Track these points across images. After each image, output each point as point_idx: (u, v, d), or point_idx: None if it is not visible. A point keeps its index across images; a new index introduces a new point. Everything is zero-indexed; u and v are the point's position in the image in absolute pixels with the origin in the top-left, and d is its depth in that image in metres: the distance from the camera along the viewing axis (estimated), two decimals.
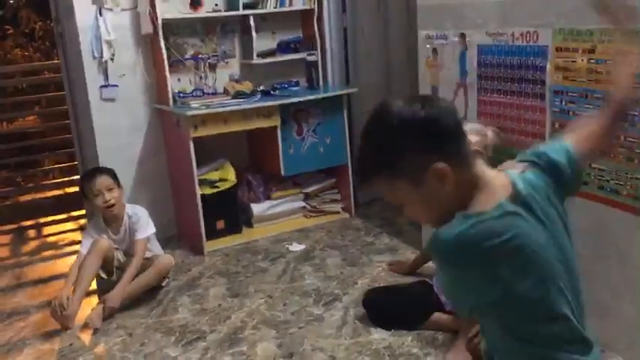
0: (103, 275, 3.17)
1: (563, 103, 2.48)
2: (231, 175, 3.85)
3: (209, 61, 3.98)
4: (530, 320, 1.21)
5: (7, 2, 7.81)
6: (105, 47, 3.68)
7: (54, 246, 4.23)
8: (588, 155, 1.41)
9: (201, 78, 3.99)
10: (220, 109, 3.61)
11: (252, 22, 3.88)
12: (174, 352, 2.67)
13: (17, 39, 7.85)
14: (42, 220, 4.75)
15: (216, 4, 3.90)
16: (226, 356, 2.61)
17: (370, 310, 2.81)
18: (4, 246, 4.30)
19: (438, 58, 3.14)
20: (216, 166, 3.86)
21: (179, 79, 3.92)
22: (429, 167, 1.13)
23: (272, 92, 3.96)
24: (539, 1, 2.53)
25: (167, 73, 3.69)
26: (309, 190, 4.18)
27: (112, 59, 3.73)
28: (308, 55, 4.10)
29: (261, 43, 4.05)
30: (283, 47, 4.16)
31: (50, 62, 6.49)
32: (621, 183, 2.29)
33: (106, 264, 3.14)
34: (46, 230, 4.58)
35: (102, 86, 3.74)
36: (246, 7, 3.89)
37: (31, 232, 4.57)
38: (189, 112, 3.52)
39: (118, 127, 3.79)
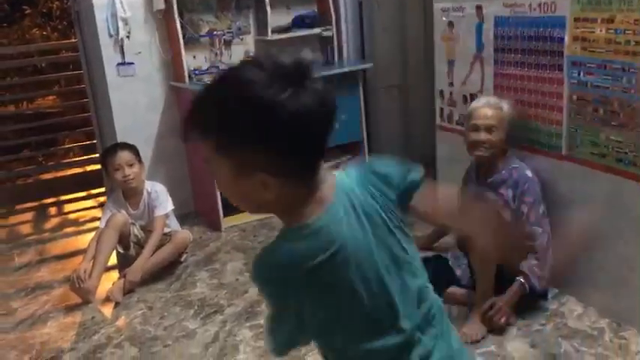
0: (120, 249, 3.22)
1: (582, 74, 2.44)
2: None
3: (224, 37, 3.98)
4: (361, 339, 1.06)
5: None
6: (121, 25, 3.69)
7: (75, 223, 4.30)
8: (416, 215, 1.19)
9: (216, 55, 3.99)
10: None
11: None
12: (193, 324, 2.72)
13: (35, 18, 7.89)
14: (63, 197, 4.83)
15: None
16: (244, 329, 2.65)
17: None
18: (27, 223, 4.39)
19: (454, 30, 3.11)
20: None
21: (194, 56, 3.92)
22: (258, 171, 0.95)
23: None
24: None
25: (182, 50, 3.70)
26: (325, 166, 4.18)
27: (127, 37, 3.74)
28: (323, 30, 4.07)
29: (276, 18, 4.03)
30: (298, 22, 4.13)
31: (68, 41, 6.52)
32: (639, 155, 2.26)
33: (123, 238, 3.19)
34: (67, 207, 4.66)
35: (118, 64, 3.76)
36: None
37: (53, 210, 4.65)
38: None
39: (135, 104, 3.82)
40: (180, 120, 3.75)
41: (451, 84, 3.21)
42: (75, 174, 5.31)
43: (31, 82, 6.50)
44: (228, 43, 4.02)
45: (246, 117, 0.92)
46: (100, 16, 3.66)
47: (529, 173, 2.58)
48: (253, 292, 2.96)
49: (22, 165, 5.60)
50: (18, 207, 4.67)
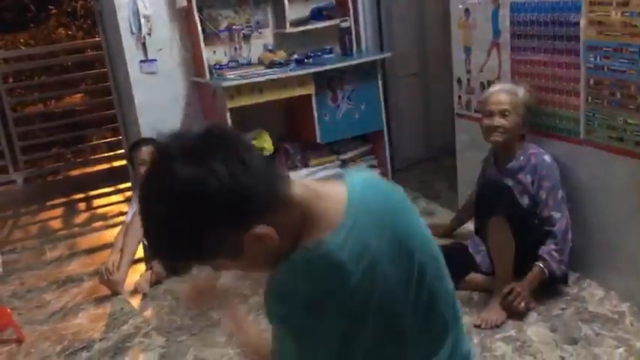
0: (146, 242, 3.30)
1: (598, 58, 2.43)
2: (268, 143, 3.92)
3: (243, 32, 4.02)
4: None
5: None
6: (142, 22, 3.76)
7: (103, 217, 4.41)
8: None
9: (235, 49, 4.04)
10: (255, 79, 3.66)
11: None
12: (219, 314, 2.79)
13: (60, 18, 8.05)
14: (91, 193, 4.95)
15: None
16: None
17: None
18: (57, 218, 4.52)
19: (471, 18, 3.10)
20: (254, 135, 3.93)
21: (214, 52, 3.97)
22: (241, 238, 0.91)
23: (306, 60, 3.98)
24: None
25: (202, 46, 3.76)
26: (345, 156, 4.22)
27: (149, 34, 3.81)
28: (341, 21, 4.09)
29: (294, 11, 4.06)
30: (316, 14, 4.15)
31: (92, 40, 6.64)
32: None
33: None
34: (96, 202, 4.78)
35: (141, 61, 3.84)
36: None
37: (82, 205, 4.78)
38: (225, 83, 3.58)
39: (158, 100, 3.89)
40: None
41: (469, 71, 3.21)
42: (102, 170, 5.44)
43: (58, 81, 6.65)
44: (247, 38, 4.07)
45: (208, 207, 0.87)
46: (122, 15, 3.73)
47: (547, 158, 2.58)
48: None
49: (51, 162, 5.75)
50: (48, 203, 4.81)
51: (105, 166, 5.50)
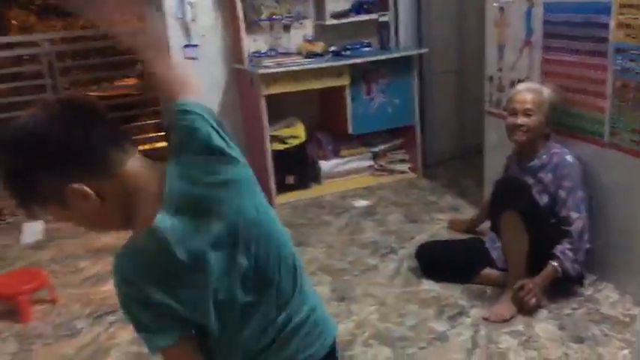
0: None
1: (625, 61, 2.43)
2: (301, 132, 4.02)
3: (283, 22, 4.13)
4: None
5: None
6: (187, 9, 3.91)
7: None
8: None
9: (275, 38, 4.15)
10: (291, 68, 3.76)
11: None
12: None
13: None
14: None
15: None
16: None
17: (422, 262, 2.91)
18: None
19: (505, 16, 3.12)
20: (288, 123, 4.04)
21: (255, 40, 4.10)
22: (63, 190, 1.01)
23: (343, 53, 4.06)
24: None
25: (243, 34, 3.88)
26: (377, 149, 4.28)
27: (193, 20, 3.96)
28: (380, 15, 4.15)
29: (336, 4, 4.15)
30: (357, 8, 4.23)
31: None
32: None
33: None
34: None
35: (185, 46, 3.99)
36: None
37: None
38: (262, 71, 3.70)
39: (198, 84, 4.03)
40: None
41: (500, 69, 3.23)
42: (148, 150, 5.64)
43: (111, 63, 6.91)
44: (287, 28, 4.17)
45: (28, 155, 1.01)
46: (169, 1, 3.89)
47: (569, 158, 2.59)
48: None
49: None
50: None
51: (151, 145, 5.70)
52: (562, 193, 2.56)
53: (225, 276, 1.08)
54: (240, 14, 3.86)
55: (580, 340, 2.31)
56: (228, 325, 1.12)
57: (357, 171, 4.28)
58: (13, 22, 8.77)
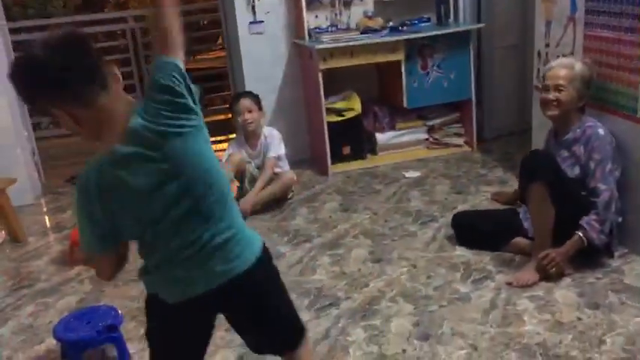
0: (236, 183, 3.76)
1: None
2: (357, 105, 4.21)
3: None
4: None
5: None
6: None
7: None
8: None
9: (336, 15, 4.34)
10: (346, 44, 3.95)
11: None
12: (284, 248, 3.18)
13: None
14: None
15: None
16: (325, 256, 3.05)
17: (457, 229, 3.06)
18: None
19: None
20: (344, 96, 4.24)
21: (316, 16, 4.30)
22: (51, 110, 1.35)
23: (400, 28, 4.19)
24: None
25: (304, 11, 4.10)
26: (432, 122, 4.40)
27: None
28: None
29: None
30: None
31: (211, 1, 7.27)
32: None
33: (239, 174, 3.72)
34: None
35: (250, 22, 4.26)
36: None
37: None
38: (318, 46, 3.91)
39: (262, 59, 4.31)
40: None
41: (547, 45, 3.27)
42: (218, 120, 6.02)
43: (193, 37, 7.35)
44: (347, 4, 4.35)
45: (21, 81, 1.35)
46: None
47: (601, 131, 2.65)
48: (341, 227, 3.36)
49: None
50: None
51: (221, 117, 6.08)
52: (591, 165, 2.63)
53: (158, 197, 1.39)
54: None
55: (595, 306, 2.40)
56: (160, 235, 1.43)
57: (412, 143, 4.42)
58: None
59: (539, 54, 3.37)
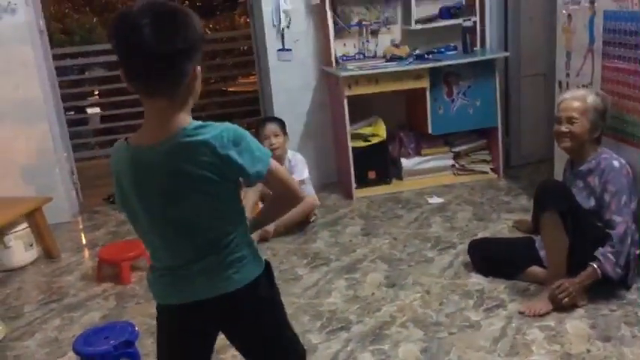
0: (261, 205, 3.85)
1: None
2: (382, 131, 4.28)
3: (371, 27, 4.40)
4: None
5: None
6: (282, 16, 4.31)
7: None
8: None
9: (363, 43, 4.44)
10: (371, 71, 4.04)
11: None
12: (302, 271, 3.25)
13: (245, 7, 9.14)
14: None
15: None
16: (342, 280, 3.10)
17: (473, 256, 3.07)
18: None
19: (572, 23, 3.18)
20: (370, 122, 4.32)
21: (344, 44, 4.41)
22: (194, 69, 1.41)
23: (426, 56, 4.25)
24: None
25: (331, 39, 4.22)
26: (458, 149, 4.43)
27: (288, 26, 4.35)
28: (464, 20, 4.29)
29: (423, 9, 4.34)
30: (444, 13, 4.39)
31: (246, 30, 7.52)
32: None
33: (264, 197, 3.81)
34: None
35: (279, 50, 4.40)
36: None
37: None
38: (344, 73, 4.01)
39: (291, 85, 4.43)
40: None
41: (568, 75, 3.29)
42: None
43: (235, 63, 7.66)
44: (375, 33, 4.44)
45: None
46: (267, 9, 4.32)
47: (616, 163, 2.64)
48: (360, 252, 3.41)
49: None
50: None
51: None
52: (607, 197, 2.62)
53: (147, 211, 1.46)
54: (330, 21, 4.19)
55: (607, 339, 2.38)
56: (148, 244, 1.54)
57: (438, 169, 4.45)
58: None
59: (559, 84, 3.38)
